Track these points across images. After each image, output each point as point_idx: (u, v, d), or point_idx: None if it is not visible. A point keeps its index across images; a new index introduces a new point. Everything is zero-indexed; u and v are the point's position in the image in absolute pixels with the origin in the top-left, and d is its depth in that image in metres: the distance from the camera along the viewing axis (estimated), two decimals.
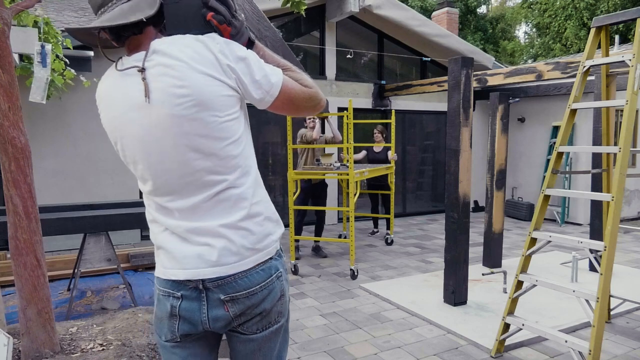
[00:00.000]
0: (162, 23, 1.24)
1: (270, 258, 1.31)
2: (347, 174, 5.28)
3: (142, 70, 1.15)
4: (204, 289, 1.25)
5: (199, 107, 1.14)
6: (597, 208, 5.42)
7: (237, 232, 1.24)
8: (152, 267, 5.59)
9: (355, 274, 5.26)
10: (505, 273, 4.74)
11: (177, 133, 1.16)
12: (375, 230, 7.82)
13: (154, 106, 1.15)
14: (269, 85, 1.24)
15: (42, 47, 3.14)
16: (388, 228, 7.25)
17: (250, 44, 1.29)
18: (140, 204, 4.77)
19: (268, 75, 1.23)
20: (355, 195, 5.42)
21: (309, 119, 6.05)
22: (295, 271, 5.51)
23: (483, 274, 4.94)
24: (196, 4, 1.20)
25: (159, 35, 1.24)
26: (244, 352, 1.35)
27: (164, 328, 1.34)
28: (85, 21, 6.53)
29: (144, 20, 1.15)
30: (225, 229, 1.23)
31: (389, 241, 6.99)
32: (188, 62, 1.13)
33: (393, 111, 7.14)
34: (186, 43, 1.16)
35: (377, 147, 7.21)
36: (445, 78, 6.86)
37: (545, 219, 8.61)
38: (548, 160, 9.02)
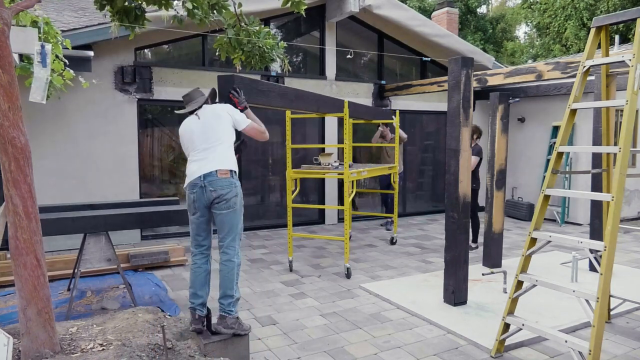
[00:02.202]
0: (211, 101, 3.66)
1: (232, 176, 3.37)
2: (341, 174, 5.30)
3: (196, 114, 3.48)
4: (203, 185, 3.25)
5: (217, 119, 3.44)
6: (597, 208, 5.42)
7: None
8: (152, 267, 5.59)
9: (349, 273, 5.26)
10: (505, 273, 4.74)
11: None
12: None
13: (202, 120, 3.41)
14: (244, 124, 3.50)
15: (42, 47, 3.14)
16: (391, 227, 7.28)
17: (244, 108, 3.61)
18: (140, 204, 4.77)
19: (244, 121, 3.52)
20: (350, 194, 5.43)
21: (382, 125, 7.71)
22: (290, 268, 5.56)
23: (483, 274, 4.94)
24: (225, 93, 3.69)
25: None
26: (218, 220, 3.29)
27: (191, 209, 3.34)
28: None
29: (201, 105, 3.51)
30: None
31: (393, 241, 7.00)
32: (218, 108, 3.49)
33: (397, 111, 7.15)
34: (219, 105, 3.53)
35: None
36: (445, 78, 6.86)
37: (545, 219, 8.61)
38: (548, 160, 9.01)
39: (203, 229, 3.38)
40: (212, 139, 3.32)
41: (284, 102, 4.61)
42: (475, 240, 6.72)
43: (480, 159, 6.49)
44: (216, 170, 3.24)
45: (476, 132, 6.48)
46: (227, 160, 3.35)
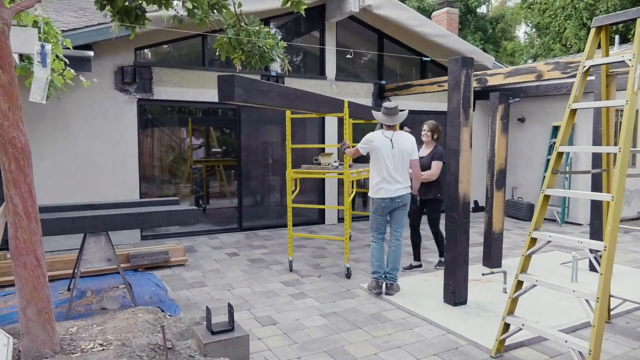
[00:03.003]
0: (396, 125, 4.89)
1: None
2: (342, 174, 5.30)
3: (391, 139, 4.67)
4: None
5: (406, 153, 4.69)
6: (597, 208, 5.43)
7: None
8: (152, 267, 5.59)
9: (349, 273, 5.27)
10: (505, 273, 4.74)
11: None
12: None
13: (395, 148, 4.64)
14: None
15: (42, 47, 3.14)
16: None
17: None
18: (140, 204, 4.77)
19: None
20: (350, 194, 5.42)
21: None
22: (290, 268, 5.58)
23: (483, 274, 4.94)
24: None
25: (393, 129, 4.83)
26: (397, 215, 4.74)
27: (378, 209, 4.71)
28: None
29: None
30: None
31: None
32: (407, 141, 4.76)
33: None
34: (407, 135, 4.83)
35: (423, 151, 5.60)
36: (445, 78, 6.86)
37: (545, 219, 8.61)
38: (548, 160, 9.02)
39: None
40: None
41: (284, 102, 4.61)
42: (442, 253, 5.67)
43: (444, 164, 5.34)
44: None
45: (436, 131, 5.63)
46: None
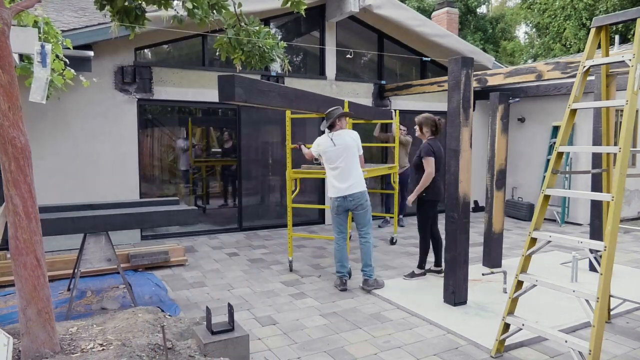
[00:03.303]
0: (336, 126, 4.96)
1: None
2: None
3: (331, 138, 4.83)
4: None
5: (349, 147, 4.82)
6: (597, 208, 5.42)
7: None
8: (152, 267, 5.59)
9: (349, 273, 5.24)
10: (505, 273, 4.74)
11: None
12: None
13: (337, 145, 4.80)
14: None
15: (42, 47, 3.14)
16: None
17: None
18: (140, 204, 4.77)
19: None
20: None
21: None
22: (290, 268, 5.58)
23: (483, 274, 4.94)
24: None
25: (335, 129, 4.92)
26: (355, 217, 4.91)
27: (333, 209, 4.91)
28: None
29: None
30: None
31: (393, 241, 6.99)
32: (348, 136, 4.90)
33: (397, 111, 7.18)
34: (347, 132, 4.94)
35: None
36: (445, 78, 6.86)
37: (545, 219, 8.61)
38: (548, 160, 9.02)
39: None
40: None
41: (284, 102, 4.61)
42: (438, 264, 5.30)
43: (436, 159, 5.02)
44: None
45: (425, 124, 5.16)
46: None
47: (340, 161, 4.79)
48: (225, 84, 3.74)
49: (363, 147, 5.11)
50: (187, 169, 7.89)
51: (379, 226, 8.34)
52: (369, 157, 9.00)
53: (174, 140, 7.77)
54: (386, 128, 8.46)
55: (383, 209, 8.87)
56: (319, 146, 4.94)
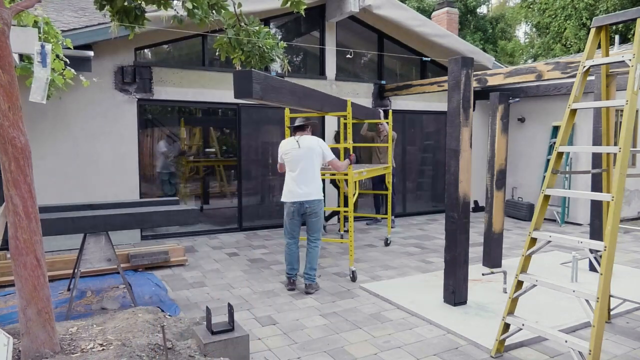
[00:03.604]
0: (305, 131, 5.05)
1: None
2: (346, 174, 5.29)
3: (297, 140, 4.86)
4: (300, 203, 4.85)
5: (313, 151, 4.80)
6: (597, 208, 5.42)
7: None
8: (152, 267, 5.59)
9: (354, 276, 5.22)
10: (505, 273, 4.74)
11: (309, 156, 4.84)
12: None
13: (301, 147, 4.80)
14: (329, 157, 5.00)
15: (42, 47, 3.14)
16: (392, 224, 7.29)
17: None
18: (140, 204, 4.77)
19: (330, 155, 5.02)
20: (354, 195, 5.42)
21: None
22: None
23: (483, 274, 4.94)
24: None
25: (302, 135, 4.91)
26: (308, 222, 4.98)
27: (288, 214, 4.94)
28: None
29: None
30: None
31: (387, 242, 6.98)
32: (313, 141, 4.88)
33: (390, 111, 7.19)
34: (312, 137, 4.94)
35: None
36: (445, 78, 6.86)
37: (545, 219, 8.61)
38: (548, 160, 9.01)
39: None
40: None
41: (293, 99, 4.62)
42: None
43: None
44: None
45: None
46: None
47: (302, 164, 4.77)
48: (241, 80, 3.65)
49: (355, 147, 5.14)
50: (167, 170, 7.69)
51: (367, 224, 8.45)
52: (358, 155, 9.00)
53: (173, 140, 7.76)
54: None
55: (373, 209, 8.87)
56: (282, 147, 4.94)
